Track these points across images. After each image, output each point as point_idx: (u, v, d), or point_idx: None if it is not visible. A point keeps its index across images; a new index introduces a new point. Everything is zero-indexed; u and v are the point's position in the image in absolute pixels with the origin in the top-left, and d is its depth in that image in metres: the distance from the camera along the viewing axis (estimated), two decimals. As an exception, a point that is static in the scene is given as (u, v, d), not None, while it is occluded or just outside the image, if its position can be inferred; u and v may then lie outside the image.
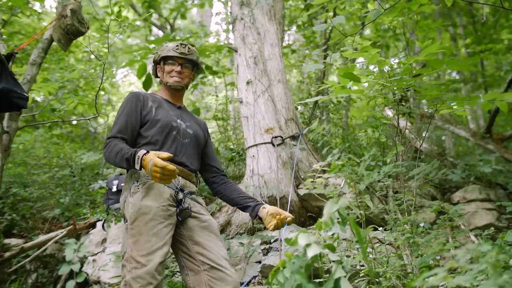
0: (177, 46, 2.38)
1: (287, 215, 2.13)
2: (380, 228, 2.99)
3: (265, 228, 3.74)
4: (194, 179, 2.31)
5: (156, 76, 2.49)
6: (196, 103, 8.39)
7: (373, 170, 2.86)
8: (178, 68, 2.37)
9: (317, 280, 2.28)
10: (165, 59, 2.40)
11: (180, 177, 2.21)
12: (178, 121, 2.32)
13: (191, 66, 2.42)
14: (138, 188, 2.10)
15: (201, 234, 2.15)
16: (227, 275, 2.06)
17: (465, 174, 4.75)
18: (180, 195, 2.17)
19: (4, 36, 5.17)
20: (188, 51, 2.39)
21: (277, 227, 2.10)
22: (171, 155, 1.98)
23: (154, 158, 1.93)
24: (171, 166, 1.91)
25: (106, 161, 2.15)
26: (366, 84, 2.82)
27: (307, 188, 3.69)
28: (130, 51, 6.50)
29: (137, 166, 1.99)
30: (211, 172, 2.44)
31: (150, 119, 2.24)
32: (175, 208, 2.13)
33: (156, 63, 2.47)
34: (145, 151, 1.99)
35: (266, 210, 2.15)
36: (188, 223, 2.17)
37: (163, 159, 1.94)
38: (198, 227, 2.17)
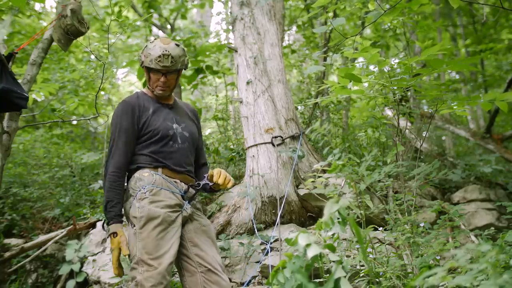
0: (159, 58, 2.15)
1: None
2: (380, 228, 2.99)
3: (264, 228, 3.74)
4: (194, 183, 2.36)
5: None
6: (196, 103, 8.39)
7: (374, 170, 2.86)
8: (163, 79, 2.23)
9: (317, 280, 2.28)
10: (148, 68, 2.24)
11: (183, 184, 2.27)
12: (174, 125, 2.28)
13: (177, 72, 2.27)
14: (146, 195, 2.14)
15: (200, 237, 2.23)
16: (223, 280, 2.14)
17: (465, 174, 4.75)
18: (184, 201, 2.24)
19: (4, 36, 5.16)
20: (172, 63, 2.17)
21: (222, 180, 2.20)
22: (128, 252, 2.09)
23: (115, 249, 2.09)
24: (115, 270, 2.12)
25: None
26: (366, 84, 2.82)
27: (307, 188, 3.69)
28: (130, 51, 6.50)
29: (106, 235, 2.21)
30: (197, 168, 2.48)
31: (149, 130, 2.21)
32: (180, 212, 2.19)
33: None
34: (114, 232, 2.10)
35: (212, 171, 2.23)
36: (189, 225, 2.25)
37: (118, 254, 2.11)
38: (198, 230, 2.25)
